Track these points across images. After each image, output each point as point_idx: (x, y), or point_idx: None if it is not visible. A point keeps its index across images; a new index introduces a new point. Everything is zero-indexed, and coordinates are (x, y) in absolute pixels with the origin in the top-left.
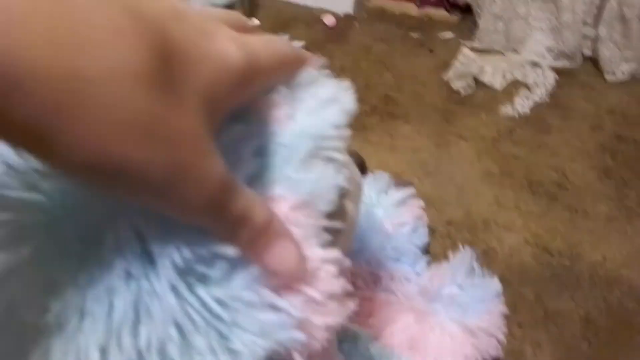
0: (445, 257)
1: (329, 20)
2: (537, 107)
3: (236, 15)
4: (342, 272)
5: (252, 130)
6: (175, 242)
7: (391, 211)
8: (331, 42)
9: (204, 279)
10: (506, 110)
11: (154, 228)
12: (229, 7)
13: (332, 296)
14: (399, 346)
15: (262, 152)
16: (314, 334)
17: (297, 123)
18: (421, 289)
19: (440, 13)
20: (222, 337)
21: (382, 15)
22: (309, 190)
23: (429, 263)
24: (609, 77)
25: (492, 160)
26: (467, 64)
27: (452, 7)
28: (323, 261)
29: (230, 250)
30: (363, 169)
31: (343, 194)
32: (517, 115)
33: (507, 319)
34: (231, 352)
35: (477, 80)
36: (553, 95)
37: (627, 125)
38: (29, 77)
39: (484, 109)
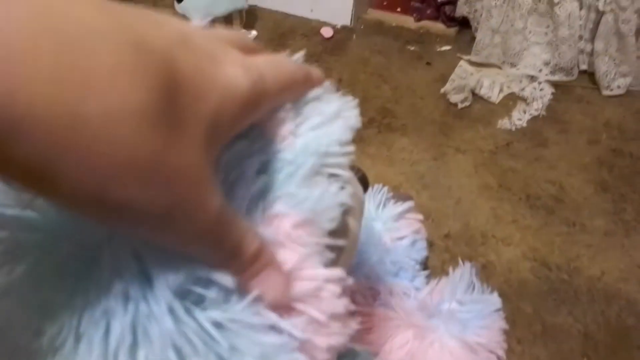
0: (444, 271)
1: (326, 32)
2: (534, 121)
3: (242, 35)
4: (345, 291)
5: (256, 147)
6: (174, 263)
7: (390, 225)
8: (329, 54)
9: (201, 301)
10: (503, 123)
11: (152, 248)
12: (227, 18)
13: (334, 316)
14: None
15: (265, 169)
16: (315, 356)
17: (301, 139)
18: (420, 305)
19: (437, 26)
20: None
21: (379, 27)
22: (312, 207)
23: (427, 277)
24: (605, 91)
25: (490, 173)
26: (465, 77)
27: (449, 20)
28: (326, 280)
29: (226, 279)
30: (365, 184)
31: (346, 211)
32: (514, 129)
33: (506, 334)
34: None
35: (474, 94)
36: (550, 108)
37: (623, 139)
38: (29, 116)
39: (481, 122)
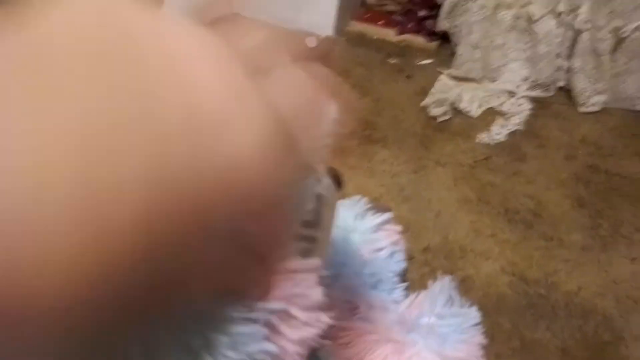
0: (423, 284)
1: (309, 43)
2: (513, 135)
3: (295, 36)
4: (321, 282)
5: None
6: None
7: (368, 236)
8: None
9: None
10: (482, 137)
11: None
12: None
13: (307, 307)
14: None
15: None
16: (286, 347)
17: None
18: (399, 318)
19: (419, 40)
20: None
21: (361, 40)
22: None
23: (406, 290)
24: (581, 108)
25: (469, 187)
26: (445, 91)
27: (430, 34)
28: (301, 270)
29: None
30: (339, 182)
31: (320, 203)
32: (493, 143)
33: (485, 349)
34: None
35: (454, 108)
36: (528, 124)
37: (599, 155)
38: None
39: (461, 136)
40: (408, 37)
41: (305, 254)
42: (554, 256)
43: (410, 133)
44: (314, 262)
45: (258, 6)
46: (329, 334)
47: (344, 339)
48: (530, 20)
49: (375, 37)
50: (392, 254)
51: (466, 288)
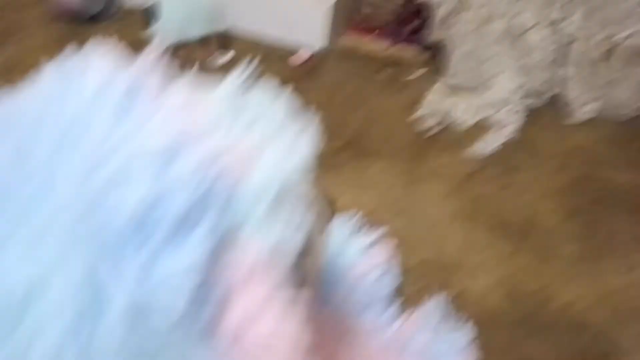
0: (419, 298)
1: (302, 56)
2: (506, 146)
3: None
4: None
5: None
6: None
7: (359, 258)
8: (304, 79)
9: None
10: (475, 148)
11: None
12: (204, 39)
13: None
14: None
15: (231, 200)
16: None
17: (264, 168)
18: (392, 339)
19: (411, 52)
20: None
21: (354, 53)
22: (279, 233)
23: (401, 305)
24: (576, 115)
25: (463, 199)
26: (437, 103)
27: (422, 46)
28: (291, 302)
29: None
30: (332, 208)
31: (312, 230)
32: (486, 154)
33: None
34: None
35: (447, 119)
36: (521, 133)
37: (593, 164)
38: None
39: (453, 148)
40: (400, 50)
41: (298, 283)
42: (549, 268)
43: (403, 145)
44: (306, 293)
45: (252, 22)
46: None
47: None
48: (523, 30)
49: (366, 50)
50: (382, 276)
51: (461, 302)
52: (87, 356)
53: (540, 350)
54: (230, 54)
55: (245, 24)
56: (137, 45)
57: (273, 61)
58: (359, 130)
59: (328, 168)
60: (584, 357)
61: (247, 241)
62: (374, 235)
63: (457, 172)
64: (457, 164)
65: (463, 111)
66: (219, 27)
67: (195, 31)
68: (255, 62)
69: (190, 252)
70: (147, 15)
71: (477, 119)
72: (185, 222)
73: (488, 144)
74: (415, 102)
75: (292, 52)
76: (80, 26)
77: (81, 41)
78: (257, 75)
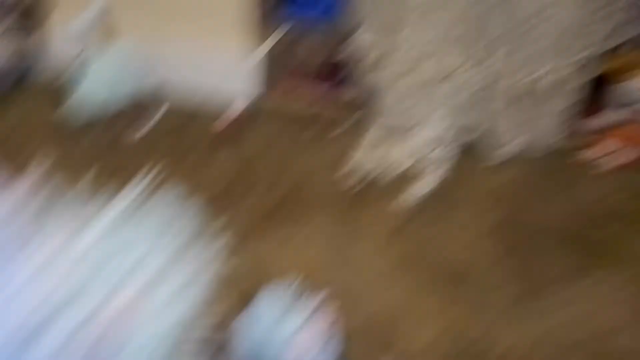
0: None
1: (228, 118)
2: (439, 188)
3: None
4: None
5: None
6: None
7: (302, 326)
8: (230, 142)
9: None
10: (409, 193)
11: None
12: (138, 105)
13: None
14: None
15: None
16: None
17: (157, 320)
18: None
19: (335, 108)
20: None
21: (281, 111)
22: None
23: None
24: (505, 151)
25: (400, 249)
26: (369, 152)
27: (349, 98)
28: None
29: None
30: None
31: None
32: (417, 201)
33: None
34: None
35: (379, 167)
36: (454, 173)
37: (523, 198)
38: None
39: (386, 197)
40: (325, 106)
41: None
42: (489, 312)
43: (336, 202)
44: None
45: (184, 76)
46: None
47: None
48: (452, 69)
49: (293, 107)
50: (326, 344)
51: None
52: None
53: None
54: (163, 108)
55: (175, 82)
56: (47, 128)
57: (201, 121)
58: (290, 191)
59: (260, 233)
60: None
61: None
62: (314, 300)
63: (391, 222)
64: (392, 213)
65: (397, 155)
66: (143, 93)
67: (124, 88)
68: (153, 172)
69: None
70: (63, 91)
71: (411, 161)
72: None
73: (421, 188)
74: (344, 156)
75: (218, 113)
76: None
77: None
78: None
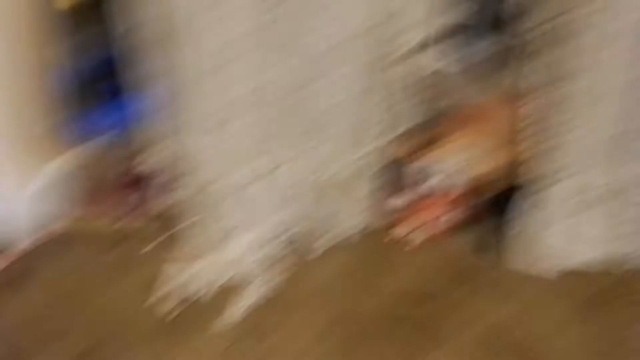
0: None
1: (7, 258)
2: (253, 309)
3: None
4: None
5: None
6: None
7: None
8: (8, 287)
9: None
10: (220, 322)
11: None
12: None
13: None
14: None
15: None
16: None
17: None
18: None
19: (140, 224)
20: None
21: (72, 239)
22: None
23: None
24: (310, 253)
25: None
26: (173, 279)
27: (153, 214)
28: None
29: None
30: None
31: None
32: (232, 326)
33: None
34: None
35: (194, 287)
36: (270, 285)
37: (350, 292)
38: None
39: (197, 330)
40: (128, 224)
41: None
42: None
43: (140, 343)
44: None
45: None
46: None
47: None
48: (245, 183)
49: (89, 231)
50: None
51: None
52: None
53: None
54: None
55: None
56: None
57: None
58: (83, 341)
59: None
60: None
61: None
62: None
63: (218, 346)
64: (204, 347)
65: (201, 282)
66: None
67: None
68: None
69: None
70: None
71: (217, 285)
72: None
73: (233, 312)
74: (150, 285)
75: None
76: None
77: None
78: None
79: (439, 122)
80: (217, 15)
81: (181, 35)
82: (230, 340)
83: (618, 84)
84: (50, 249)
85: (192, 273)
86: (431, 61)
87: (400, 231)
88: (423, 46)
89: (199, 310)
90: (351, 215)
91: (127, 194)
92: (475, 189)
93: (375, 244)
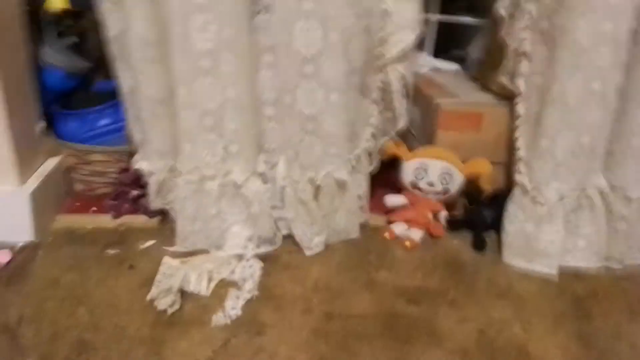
0: None
1: (2, 257)
2: (249, 305)
3: None
4: None
5: None
6: None
7: None
8: (5, 286)
9: None
10: (218, 318)
11: None
12: None
13: None
14: None
15: None
16: None
17: None
18: None
19: (138, 220)
20: None
21: (71, 235)
22: None
23: None
24: (307, 251)
25: None
26: (170, 275)
27: (149, 213)
28: None
29: None
30: None
31: None
32: (229, 321)
33: None
34: None
35: (183, 291)
36: (262, 285)
37: (332, 299)
38: None
39: (195, 325)
40: (126, 220)
41: None
42: None
43: (136, 340)
44: None
45: None
46: None
47: None
48: (237, 185)
49: (89, 227)
50: None
51: None
52: None
53: None
54: None
55: None
56: None
57: None
58: (81, 336)
59: None
60: None
61: None
62: None
63: (201, 354)
64: (201, 343)
65: (198, 279)
66: None
67: None
68: None
69: None
70: None
71: (215, 282)
72: None
73: (230, 309)
74: (147, 281)
75: None
76: None
77: None
78: None
79: (433, 122)
80: (207, 18)
81: (172, 36)
82: (226, 334)
83: (605, 87)
84: (52, 244)
85: (192, 268)
86: (424, 61)
87: (397, 229)
88: (416, 46)
89: (199, 305)
90: (348, 214)
91: (124, 193)
92: (471, 188)
93: (372, 242)
